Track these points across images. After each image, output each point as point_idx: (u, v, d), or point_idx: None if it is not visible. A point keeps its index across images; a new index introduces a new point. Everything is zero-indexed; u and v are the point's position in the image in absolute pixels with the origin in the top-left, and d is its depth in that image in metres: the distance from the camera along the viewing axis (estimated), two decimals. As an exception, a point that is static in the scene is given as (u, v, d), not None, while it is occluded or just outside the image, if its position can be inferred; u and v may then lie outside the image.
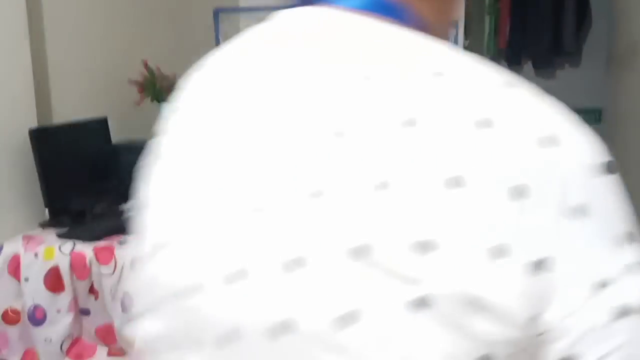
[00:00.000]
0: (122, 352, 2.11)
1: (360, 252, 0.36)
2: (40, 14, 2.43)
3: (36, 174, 2.19)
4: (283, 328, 0.39)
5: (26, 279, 2.00)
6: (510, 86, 0.42)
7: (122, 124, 2.75)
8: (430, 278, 0.35)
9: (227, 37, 3.86)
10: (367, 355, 0.36)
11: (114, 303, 1.96)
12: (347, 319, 0.36)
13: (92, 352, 2.11)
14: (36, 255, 2.01)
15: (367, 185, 0.37)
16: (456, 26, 4.03)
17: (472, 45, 4.64)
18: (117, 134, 2.66)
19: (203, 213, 0.45)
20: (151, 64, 2.75)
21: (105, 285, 1.96)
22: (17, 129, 2.19)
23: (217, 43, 3.77)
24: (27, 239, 2.07)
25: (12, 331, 2.06)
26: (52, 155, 2.24)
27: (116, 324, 1.99)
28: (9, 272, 2.04)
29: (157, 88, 2.65)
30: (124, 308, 1.95)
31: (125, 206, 2.54)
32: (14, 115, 2.22)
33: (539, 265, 0.35)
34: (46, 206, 2.25)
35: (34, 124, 2.26)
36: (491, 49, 5.42)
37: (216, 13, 3.77)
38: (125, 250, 1.97)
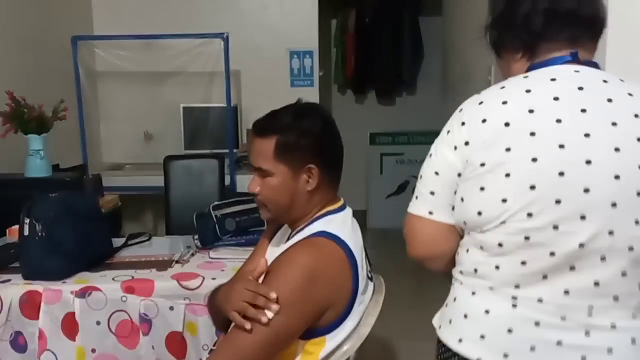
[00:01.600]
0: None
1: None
2: None
3: None
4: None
5: None
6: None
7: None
8: None
9: (85, 63, 3.78)
10: None
11: (2, 345, 1.86)
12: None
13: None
14: None
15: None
16: (312, 57, 4.32)
17: (325, 75, 4.97)
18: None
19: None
20: (14, 94, 2.62)
21: (-9, 327, 1.85)
22: None
23: (76, 70, 3.66)
24: None
25: None
26: None
27: (6, 366, 1.88)
28: None
29: (25, 119, 2.53)
30: (17, 347, 1.86)
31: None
32: None
33: None
34: None
35: None
36: (339, 79, 5.82)
37: (74, 40, 3.67)
38: (11, 289, 1.88)
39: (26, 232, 1.93)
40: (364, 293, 1.41)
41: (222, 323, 1.47)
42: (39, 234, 1.92)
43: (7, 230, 2.40)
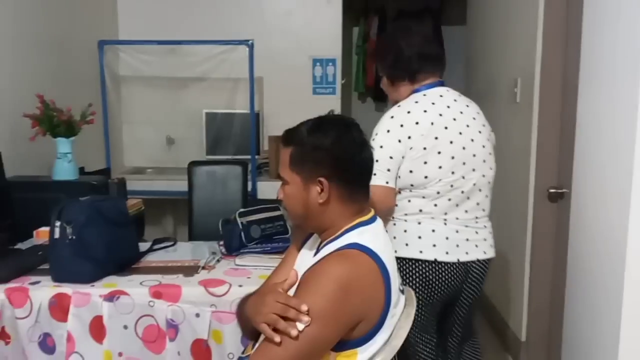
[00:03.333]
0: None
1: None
2: None
3: None
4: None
5: None
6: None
7: (15, 159, 2.62)
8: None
9: (110, 67, 3.81)
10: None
11: (31, 346, 1.88)
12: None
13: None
14: (-64, 301, 1.86)
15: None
16: (335, 65, 4.32)
17: (346, 83, 4.96)
18: (11, 170, 2.53)
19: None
20: (43, 97, 2.65)
21: (21, 328, 1.87)
22: None
23: (102, 73, 3.71)
24: None
25: None
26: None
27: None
28: None
29: (54, 122, 2.56)
30: (45, 349, 1.88)
31: (22, 245, 2.41)
32: None
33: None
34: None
35: None
36: (360, 87, 5.82)
37: (100, 45, 3.71)
38: (41, 291, 1.90)
39: (56, 235, 1.95)
40: (396, 306, 1.40)
41: (251, 333, 1.47)
42: (70, 237, 1.94)
43: (35, 232, 2.43)
